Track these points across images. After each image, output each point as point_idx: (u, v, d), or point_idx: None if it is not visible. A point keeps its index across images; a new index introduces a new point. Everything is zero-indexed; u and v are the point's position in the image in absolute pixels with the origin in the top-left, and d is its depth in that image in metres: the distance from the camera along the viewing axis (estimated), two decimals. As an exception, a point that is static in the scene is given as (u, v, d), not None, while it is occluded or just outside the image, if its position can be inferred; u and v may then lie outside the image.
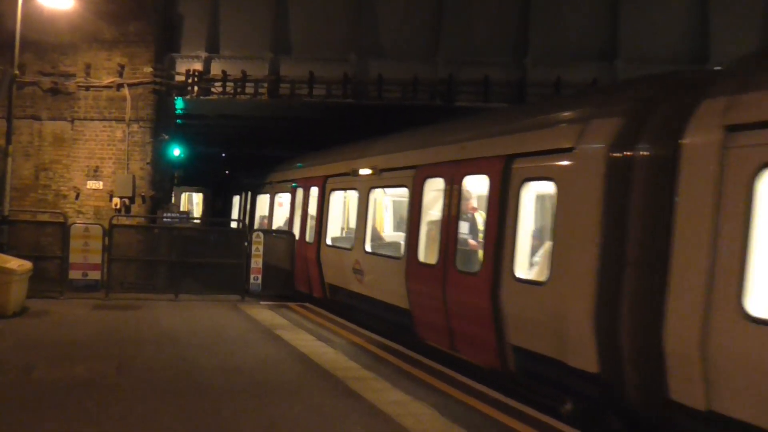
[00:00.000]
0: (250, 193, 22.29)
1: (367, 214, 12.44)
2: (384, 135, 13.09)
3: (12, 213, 13.66)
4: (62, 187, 15.22)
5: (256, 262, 14.40)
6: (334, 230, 14.40)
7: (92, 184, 15.20)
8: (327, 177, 14.53)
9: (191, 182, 31.20)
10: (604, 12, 15.55)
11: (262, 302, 13.69)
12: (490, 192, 8.45)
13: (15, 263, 10.95)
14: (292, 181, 16.90)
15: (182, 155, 19.23)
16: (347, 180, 13.38)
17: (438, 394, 7.22)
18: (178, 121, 18.61)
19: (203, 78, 15.86)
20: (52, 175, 15.24)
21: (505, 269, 7.99)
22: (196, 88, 15.91)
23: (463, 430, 6.06)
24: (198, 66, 15.92)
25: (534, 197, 8.22)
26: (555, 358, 7.09)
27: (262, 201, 20.58)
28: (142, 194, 15.18)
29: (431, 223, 10.22)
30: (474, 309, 8.49)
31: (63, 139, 15.23)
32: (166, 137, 16.40)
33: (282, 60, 15.97)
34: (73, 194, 15.17)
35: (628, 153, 6.43)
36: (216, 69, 15.96)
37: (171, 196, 19.89)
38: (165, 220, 15.07)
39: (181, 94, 16.07)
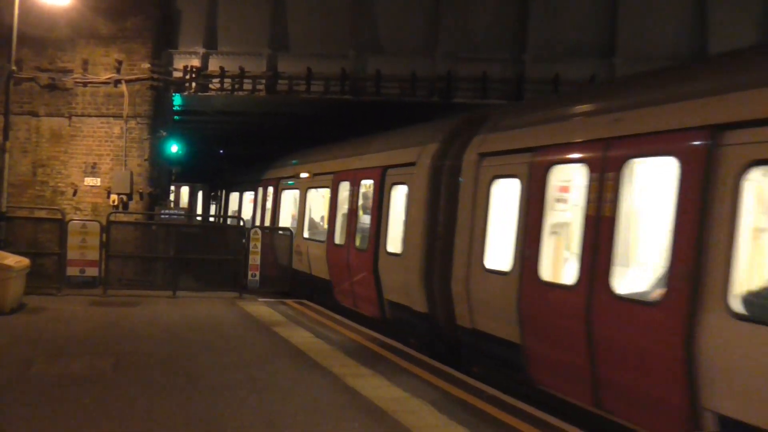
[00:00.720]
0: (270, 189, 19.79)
1: (305, 208, 15.93)
2: (318, 146, 16.70)
3: (9, 209, 13.64)
4: (60, 184, 15.20)
5: (254, 259, 14.41)
6: (285, 221, 17.65)
7: (90, 181, 15.18)
8: (279, 179, 18.22)
9: (191, 178, 31.26)
10: (603, 8, 15.54)
11: (260, 299, 13.69)
12: (374, 192, 11.93)
13: (12, 260, 10.93)
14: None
15: (180, 151, 19.19)
16: (295, 182, 17.01)
17: (436, 391, 7.22)
18: (176, 117, 18.59)
19: (201, 74, 15.83)
20: (50, 171, 15.21)
21: (381, 246, 11.40)
22: (193, 84, 15.87)
23: (460, 426, 6.06)
24: (196, 62, 15.89)
25: (398, 196, 11.31)
26: (408, 306, 10.38)
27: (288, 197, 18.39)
28: (140, 191, 15.16)
29: (342, 214, 13.39)
30: (365, 276, 11.75)
31: (60, 135, 15.20)
32: (164, 134, 16.38)
33: (280, 56, 15.94)
34: (70, 191, 15.16)
35: (439, 166, 9.82)
36: (214, 65, 15.92)
37: (169, 193, 19.88)
38: (162, 217, 15.04)
39: (179, 91, 16.03)
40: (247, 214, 21.75)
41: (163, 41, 15.70)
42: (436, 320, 9.68)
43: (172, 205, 25.89)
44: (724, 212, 5.29)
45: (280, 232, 16.00)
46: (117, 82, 15.15)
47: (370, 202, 12.27)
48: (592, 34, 15.58)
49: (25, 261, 11.34)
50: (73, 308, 11.62)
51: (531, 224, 7.59)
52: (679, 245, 5.68)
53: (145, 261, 14.91)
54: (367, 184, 12.45)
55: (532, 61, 15.50)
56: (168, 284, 13.87)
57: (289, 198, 17.66)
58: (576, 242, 7.04)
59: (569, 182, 7.64)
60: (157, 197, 16.02)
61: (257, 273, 14.41)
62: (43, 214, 14.63)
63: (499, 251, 8.35)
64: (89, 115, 15.21)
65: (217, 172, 30.08)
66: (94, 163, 15.18)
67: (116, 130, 15.20)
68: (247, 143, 26.69)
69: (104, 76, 15.16)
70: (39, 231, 14.25)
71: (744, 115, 5.32)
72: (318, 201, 16.07)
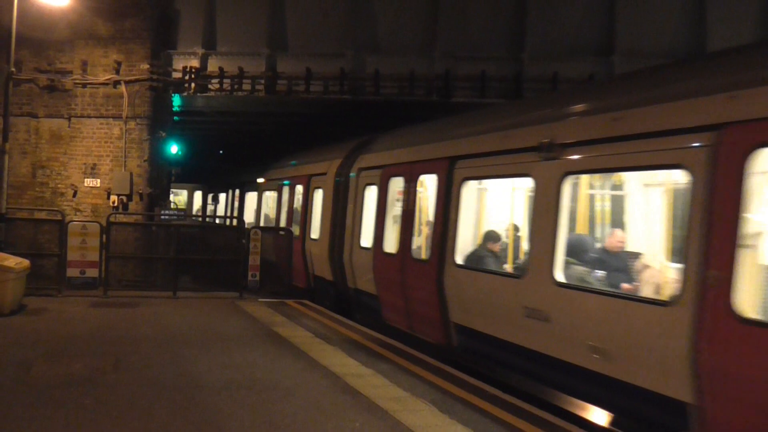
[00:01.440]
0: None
1: (261, 207, 20.69)
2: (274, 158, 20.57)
3: (9, 211, 13.64)
4: (59, 185, 15.22)
5: (254, 260, 14.42)
6: (249, 217, 21.50)
7: (90, 182, 15.19)
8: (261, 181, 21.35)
9: (190, 179, 31.23)
10: (601, 6, 15.53)
11: (260, 299, 13.69)
12: (303, 193, 16.12)
13: (12, 261, 10.94)
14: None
15: (179, 152, 19.21)
16: (259, 185, 20.91)
17: (436, 390, 7.23)
18: (176, 118, 18.59)
19: (200, 74, 15.84)
20: (50, 172, 15.23)
21: (308, 233, 15.39)
22: (193, 84, 15.88)
23: (460, 425, 6.07)
24: (195, 62, 15.90)
25: (317, 197, 15.11)
26: (326, 278, 14.15)
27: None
28: (140, 191, 15.17)
29: (285, 210, 17.58)
30: (299, 256, 15.27)
31: (60, 136, 15.22)
32: (164, 134, 16.39)
33: (279, 56, 15.95)
34: (70, 192, 15.17)
35: (339, 177, 13.75)
36: (213, 65, 15.94)
37: (169, 194, 19.87)
38: (162, 217, 15.05)
39: (178, 91, 16.04)
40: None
41: (162, 42, 15.72)
42: (337, 285, 13.53)
43: (173, 206, 25.97)
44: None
45: (281, 232, 16.05)
46: (116, 83, 15.17)
47: (303, 201, 16.24)
48: (590, 33, 15.57)
49: (25, 262, 11.35)
50: (74, 309, 11.63)
51: (380, 216, 11.55)
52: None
53: (145, 262, 14.93)
54: (301, 187, 16.53)
55: (530, 59, 15.49)
56: (168, 285, 13.88)
57: (252, 200, 22.46)
58: (399, 227, 10.88)
59: (401, 189, 11.03)
60: (157, 198, 16.02)
61: (257, 273, 14.42)
62: (43, 215, 14.64)
63: (367, 235, 12.11)
64: (89, 116, 15.23)
65: (218, 172, 30.11)
66: (94, 164, 15.19)
67: (116, 131, 15.21)
68: (246, 143, 26.72)
69: (103, 77, 15.18)
70: (39, 232, 14.25)
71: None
72: (273, 201, 19.91)
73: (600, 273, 7.49)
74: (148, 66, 15.23)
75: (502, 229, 9.43)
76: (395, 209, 11.30)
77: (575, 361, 6.61)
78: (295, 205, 17.03)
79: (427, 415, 6.36)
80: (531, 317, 7.22)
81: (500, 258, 9.08)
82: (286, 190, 17.66)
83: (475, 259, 9.06)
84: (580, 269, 7.48)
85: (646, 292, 7.06)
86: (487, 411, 6.53)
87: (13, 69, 13.49)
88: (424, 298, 9.73)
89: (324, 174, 14.64)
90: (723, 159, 5.21)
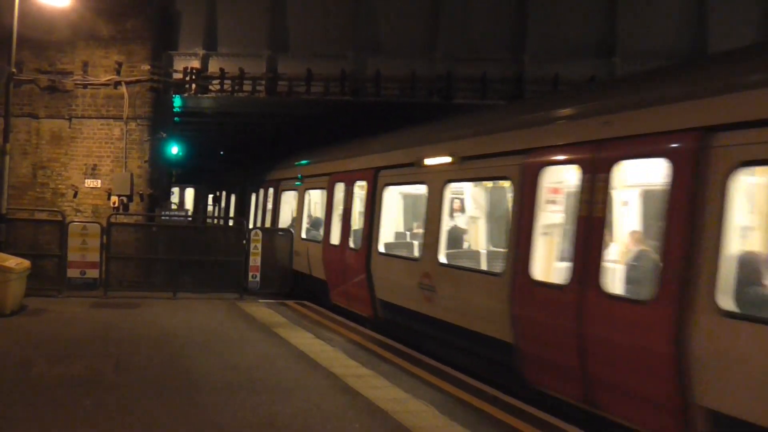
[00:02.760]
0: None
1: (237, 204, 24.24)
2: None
3: (10, 211, 13.63)
4: (60, 186, 15.21)
5: (255, 260, 14.41)
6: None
7: (90, 183, 15.18)
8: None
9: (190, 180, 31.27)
10: (602, 8, 15.54)
11: (260, 300, 13.69)
12: (273, 194, 18.32)
13: (13, 261, 10.94)
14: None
15: (180, 153, 19.21)
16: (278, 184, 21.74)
17: (436, 392, 7.23)
18: (176, 119, 18.59)
19: (201, 75, 15.83)
20: (50, 173, 15.22)
21: (273, 224, 17.76)
22: (193, 85, 15.87)
23: (461, 426, 6.07)
24: (196, 63, 15.89)
25: (289, 197, 17.30)
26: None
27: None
28: (140, 192, 15.17)
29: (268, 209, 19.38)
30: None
31: (61, 137, 15.21)
32: (164, 135, 16.38)
33: (280, 57, 15.94)
34: (71, 192, 15.16)
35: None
36: (214, 66, 15.93)
37: (170, 194, 19.87)
38: (163, 218, 15.04)
39: (179, 92, 16.03)
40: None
41: (163, 43, 15.71)
42: (292, 271, 15.11)
43: (173, 206, 26.04)
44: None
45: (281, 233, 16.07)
46: (117, 83, 15.17)
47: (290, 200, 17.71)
48: (591, 34, 15.58)
49: (25, 263, 11.35)
50: (74, 310, 11.63)
51: (328, 214, 13.72)
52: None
53: (146, 262, 14.92)
54: (272, 190, 18.63)
55: (531, 61, 15.50)
56: (168, 286, 13.88)
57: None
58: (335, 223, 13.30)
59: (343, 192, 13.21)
60: (158, 199, 16.02)
61: (257, 274, 14.42)
62: (43, 215, 14.63)
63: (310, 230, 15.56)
64: (89, 117, 15.22)
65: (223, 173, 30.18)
66: (95, 165, 15.18)
67: (116, 131, 15.21)
68: (247, 144, 26.75)
69: (104, 78, 15.18)
70: (39, 233, 14.25)
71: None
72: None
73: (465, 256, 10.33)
74: (148, 67, 15.22)
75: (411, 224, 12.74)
76: (339, 209, 13.34)
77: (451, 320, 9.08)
78: (263, 203, 18.86)
79: (428, 416, 6.35)
80: (424, 290, 9.65)
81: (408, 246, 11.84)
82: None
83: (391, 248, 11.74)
84: (453, 252, 10.14)
85: (488, 268, 9.87)
86: (487, 412, 6.53)
87: (13, 70, 13.49)
88: (356, 280, 12.02)
89: (299, 179, 16.41)
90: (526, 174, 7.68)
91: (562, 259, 7.51)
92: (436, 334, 9.54)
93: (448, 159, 9.45)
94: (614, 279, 6.96)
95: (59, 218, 13.78)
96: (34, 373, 7.44)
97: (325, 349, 9.24)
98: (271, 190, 18.80)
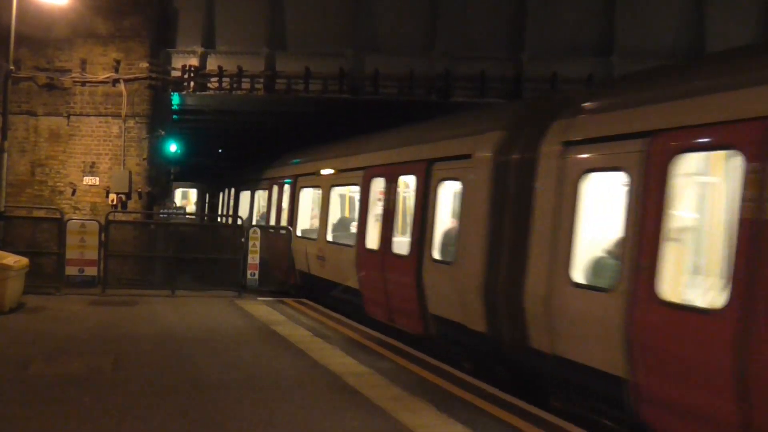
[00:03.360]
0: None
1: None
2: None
3: (8, 209, 13.63)
4: (58, 183, 15.19)
5: (253, 258, 14.41)
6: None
7: (88, 180, 15.17)
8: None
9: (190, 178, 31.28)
10: (600, 7, 15.56)
11: (259, 298, 13.69)
12: (291, 192, 16.54)
13: (11, 259, 10.93)
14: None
15: (178, 150, 19.20)
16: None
17: (435, 390, 7.23)
18: (175, 116, 18.57)
19: (199, 73, 15.82)
20: (48, 171, 15.20)
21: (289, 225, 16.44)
22: (192, 83, 15.87)
23: (459, 424, 6.07)
24: (194, 61, 15.88)
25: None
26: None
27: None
28: (139, 190, 15.16)
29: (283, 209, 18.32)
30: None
31: (59, 134, 15.19)
32: (163, 133, 16.37)
33: (278, 55, 15.94)
34: (69, 190, 15.15)
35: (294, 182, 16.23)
36: (212, 64, 15.92)
37: (168, 192, 19.87)
38: (162, 215, 15.05)
39: (177, 90, 16.02)
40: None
41: (161, 40, 15.69)
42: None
43: (175, 204, 26.07)
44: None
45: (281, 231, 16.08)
46: (115, 81, 15.15)
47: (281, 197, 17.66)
48: (589, 33, 15.59)
49: (24, 260, 11.34)
50: (72, 308, 11.62)
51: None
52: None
53: (144, 260, 14.91)
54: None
55: (530, 59, 15.51)
56: (167, 283, 13.87)
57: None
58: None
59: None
60: (156, 196, 16.01)
61: (256, 272, 14.42)
62: (41, 213, 14.62)
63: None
64: (88, 115, 15.20)
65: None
66: (93, 163, 15.17)
67: (115, 129, 15.19)
68: (246, 142, 26.72)
69: (102, 76, 15.15)
70: (38, 230, 14.25)
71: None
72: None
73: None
74: (147, 64, 15.20)
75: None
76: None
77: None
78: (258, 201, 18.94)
79: (427, 414, 6.36)
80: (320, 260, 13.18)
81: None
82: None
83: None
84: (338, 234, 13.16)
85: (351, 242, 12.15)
86: (485, 410, 6.53)
87: (12, 67, 13.48)
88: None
89: (286, 180, 16.76)
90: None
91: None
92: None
93: None
94: None
95: (57, 216, 13.77)
96: (32, 371, 7.44)
97: (323, 347, 9.24)
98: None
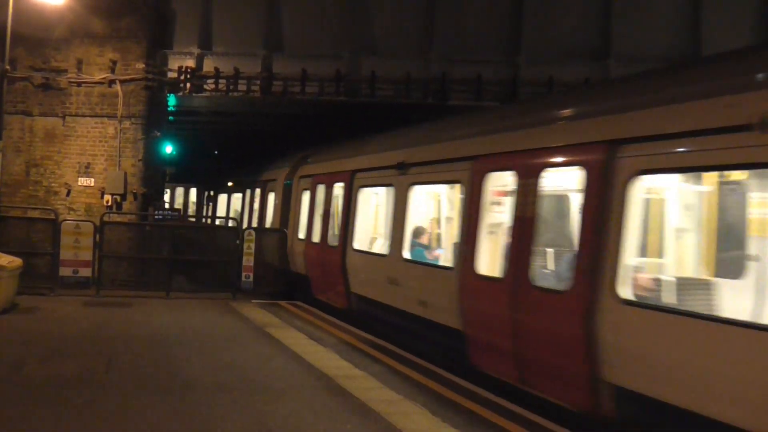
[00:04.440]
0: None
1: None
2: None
3: (2, 209, 13.60)
4: (53, 184, 15.15)
5: (248, 260, 14.39)
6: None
7: (84, 181, 15.13)
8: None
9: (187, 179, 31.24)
10: (597, 11, 15.61)
11: (253, 300, 13.67)
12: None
13: (5, 260, 10.90)
14: None
15: (174, 152, 19.19)
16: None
17: (428, 393, 7.22)
18: (171, 118, 18.56)
19: (196, 74, 15.82)
20: (43, 171, 15.16)
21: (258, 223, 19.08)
22: (188, 84, 15.85)
23: (453, 428, 6.06)
24: (190, 62, 15.88)
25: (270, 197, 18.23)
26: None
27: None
28: (134, 191, 15.13)
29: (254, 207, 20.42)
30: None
31: (54, 135, 15.15)
32: (158, 134, 16.35)
33: (275, 57, 15.95)
34: (64, 191, 15.11)
35: (288, 182, 16.45)
36: (208, 66, 15.92)
37: (163, 194, 19.85)
38: (156, 217, 15.03)
39: (174, 91, 16.01)
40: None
41: (158, 41, 15.68)
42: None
43: (166, 205, 26.01)
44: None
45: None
46: (111, 82, 15.12)
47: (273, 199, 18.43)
48: (586, 36, 15.65)
49: (17, 261, 11.31)
50: (66, 309, 11.58)
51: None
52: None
53: (139, 262, 14.89)
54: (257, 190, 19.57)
55: (526, 63, 15.55)
56: (161, 285, 13.84)
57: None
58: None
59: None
60: (151, 197, 15.98)
61: (251, 274, 14.40)
62: (36, 214, 14.58)
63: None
64: (83, 115, 15.17)
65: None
66: (88, 164, 15.14)
67: (110, 130, 15.16)
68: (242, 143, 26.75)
69: (98, 76, 15.13)
70: (32, 231, 14.22)
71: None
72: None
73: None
74: (143, 65, 15.19)
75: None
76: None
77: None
78: (250, 203, 20.43)
79: (420, 418, 6.35)
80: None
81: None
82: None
83: None
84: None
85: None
86: (479, 414, 6.52)
87: (7, 67, 13.50)
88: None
89: (274, 180, 17.86)
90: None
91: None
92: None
93: None
94: None
95: (52, 216, 13.74)
96: (25, 372, 7.41)
97: (317, 350, 9.23)
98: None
